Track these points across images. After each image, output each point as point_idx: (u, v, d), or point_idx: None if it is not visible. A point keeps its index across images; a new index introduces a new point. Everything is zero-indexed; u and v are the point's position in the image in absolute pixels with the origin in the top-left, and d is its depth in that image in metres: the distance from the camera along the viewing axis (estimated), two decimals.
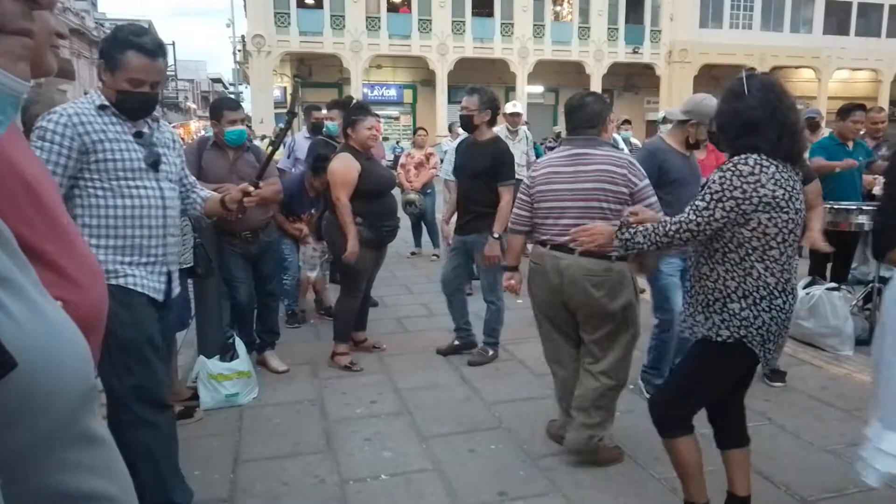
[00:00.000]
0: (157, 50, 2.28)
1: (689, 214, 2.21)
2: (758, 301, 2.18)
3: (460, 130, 5.43)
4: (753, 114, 2.17)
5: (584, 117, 2.98)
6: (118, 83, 2.26)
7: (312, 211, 5.09)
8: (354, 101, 4.84)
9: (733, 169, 2.14)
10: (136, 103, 2.32)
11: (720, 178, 2.15)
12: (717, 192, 2.14)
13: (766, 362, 2.31)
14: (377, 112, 4.51)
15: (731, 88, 2.25)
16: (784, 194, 2.13)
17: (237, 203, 2.62)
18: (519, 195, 3.16)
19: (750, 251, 2.17)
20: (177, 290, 2.53)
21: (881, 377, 2.22)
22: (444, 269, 4.70)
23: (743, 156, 2.16)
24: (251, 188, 2.63)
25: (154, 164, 2.36)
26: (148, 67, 2.27)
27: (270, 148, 3.11)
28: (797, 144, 2.22)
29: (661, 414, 2.43)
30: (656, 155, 3.50)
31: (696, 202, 2.20)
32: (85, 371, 0.57)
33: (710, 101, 3.23)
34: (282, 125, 3.10)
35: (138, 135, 2.36)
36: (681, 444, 2.39)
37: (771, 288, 2.18)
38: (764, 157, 2.14)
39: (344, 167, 4.11)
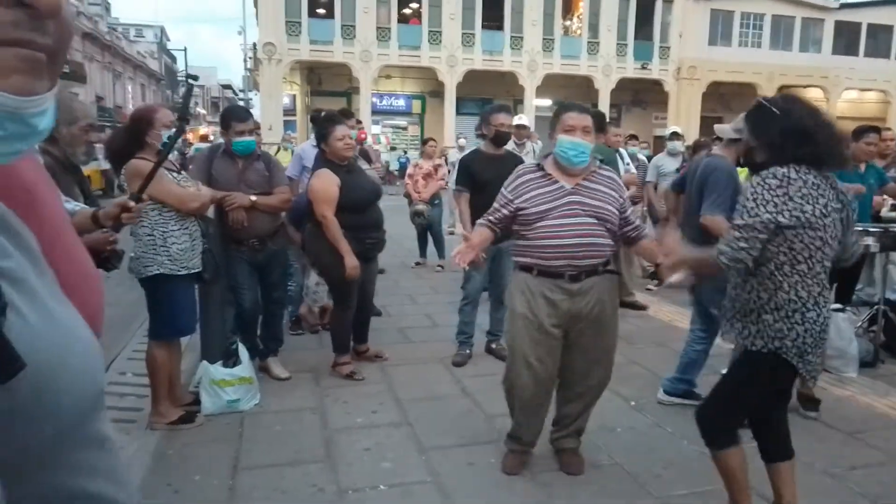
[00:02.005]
0: None
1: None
2: (790, 314, 2.24)
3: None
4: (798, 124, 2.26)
5: None
6: None
7: None
8: (323, 113, 4.59)
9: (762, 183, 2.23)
10: None
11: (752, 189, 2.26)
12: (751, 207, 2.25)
13: (808, 374, 2.34)
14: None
15: (757, 114, 2.38)
16: (813, 210, 2.18)
17: (112, 219, 2.33)
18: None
19: (779, 265, 2.23)
20: None
21: None
22: (475, 277, 4.63)
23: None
24: (131, 203, 2.35)
25: None
26: None
27: (158, 158, 2.79)
28: (807, 148, 2.25)
29: (709, 427, 2.47)
30: (732, 173, 3.65)
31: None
32: (95, 373, 0.59)
33: None
34: (172, 132, 2.82)
35: None
36: (729, 456, 2.42)
37: (803, 301, 2.23)
38: (794, 168, 2.22)
39: (323, 184, 4.07)
